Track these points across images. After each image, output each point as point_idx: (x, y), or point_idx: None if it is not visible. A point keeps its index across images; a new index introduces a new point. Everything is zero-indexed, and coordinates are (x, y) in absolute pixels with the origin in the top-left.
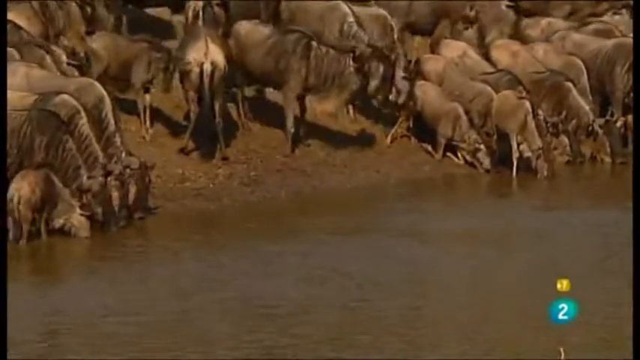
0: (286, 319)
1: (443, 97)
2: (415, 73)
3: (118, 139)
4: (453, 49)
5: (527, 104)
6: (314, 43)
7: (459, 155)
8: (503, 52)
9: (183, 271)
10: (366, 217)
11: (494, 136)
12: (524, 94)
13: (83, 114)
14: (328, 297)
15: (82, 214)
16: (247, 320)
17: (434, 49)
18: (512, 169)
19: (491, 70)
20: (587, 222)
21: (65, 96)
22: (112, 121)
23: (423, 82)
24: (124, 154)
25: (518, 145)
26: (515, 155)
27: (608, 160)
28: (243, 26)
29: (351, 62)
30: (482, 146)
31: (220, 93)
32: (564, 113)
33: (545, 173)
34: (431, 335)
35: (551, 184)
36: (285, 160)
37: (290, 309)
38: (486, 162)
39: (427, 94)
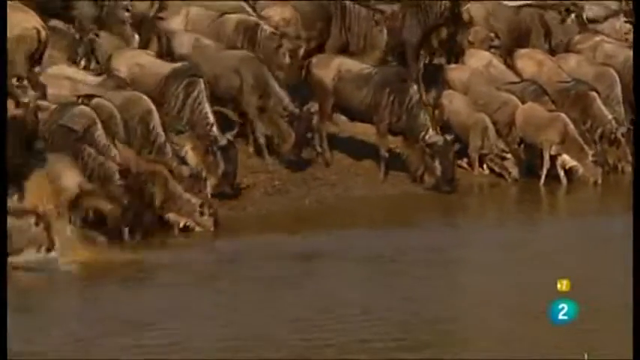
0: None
1: (470, 107)
2: (441, 82)
3: (169, 149)
4: (479, 58)
5: (564, 115)
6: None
7: (485, 165)
8: (528, 61)
9: (209, 278)
10: (389, 226)
11: (522, 146)
12: (549, 105)
13: (99, 125)
14: (371, 301)
15: None
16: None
17: None
18: (539, 178)
19: (517, 79)
20: (612, 231)
21: (83, 107)
22: (162, 132)
23: (450, 91)
24: (175, 164)
25: (556, 156)
26: (547, 166)
27: (629, 169)
28: None
29: None
30: (509, 155)
31: None
32: (589, 122)
33: (600, 179)
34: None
35: (578, 193)
36: (309, 170)
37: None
38: (515, 172)
39: (454, 103)
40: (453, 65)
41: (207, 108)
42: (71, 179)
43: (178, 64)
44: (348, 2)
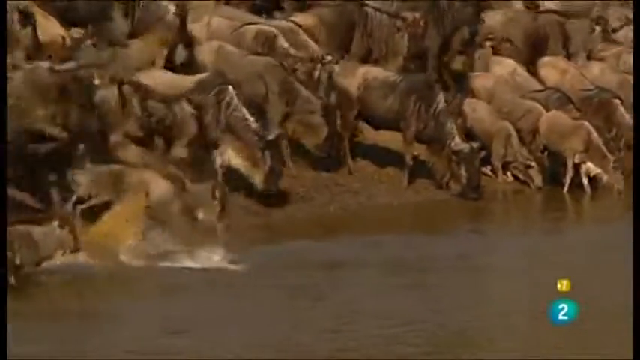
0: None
1: (493, 115)
2: (465, 89)
3: None
4: (504, 66)
5: (587, 123)
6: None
7: (509, 173)
8: (552, 69)
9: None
10: (408, 235)
11: (546, 154)
12: (572, 112)
13: None
14: (396, 309)
15: None
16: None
17: None
18: (563, 186)
19: (541, 87)
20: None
21: None
22: None
23: (472, 99)
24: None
25: (580, 164)
26: (570, 174)
27: None
28: None
29: None
30: (533, 163)
31: None
32: (614, 130)
33: (622, 186)
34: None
35: (602, 201)
36: (332, 177)
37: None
38: (538, 179)
39: (477, 111)
40: (477, 73)
41: (243, 110)
42: (161, 190)
43: (202, 75)
44: (369, 10)
